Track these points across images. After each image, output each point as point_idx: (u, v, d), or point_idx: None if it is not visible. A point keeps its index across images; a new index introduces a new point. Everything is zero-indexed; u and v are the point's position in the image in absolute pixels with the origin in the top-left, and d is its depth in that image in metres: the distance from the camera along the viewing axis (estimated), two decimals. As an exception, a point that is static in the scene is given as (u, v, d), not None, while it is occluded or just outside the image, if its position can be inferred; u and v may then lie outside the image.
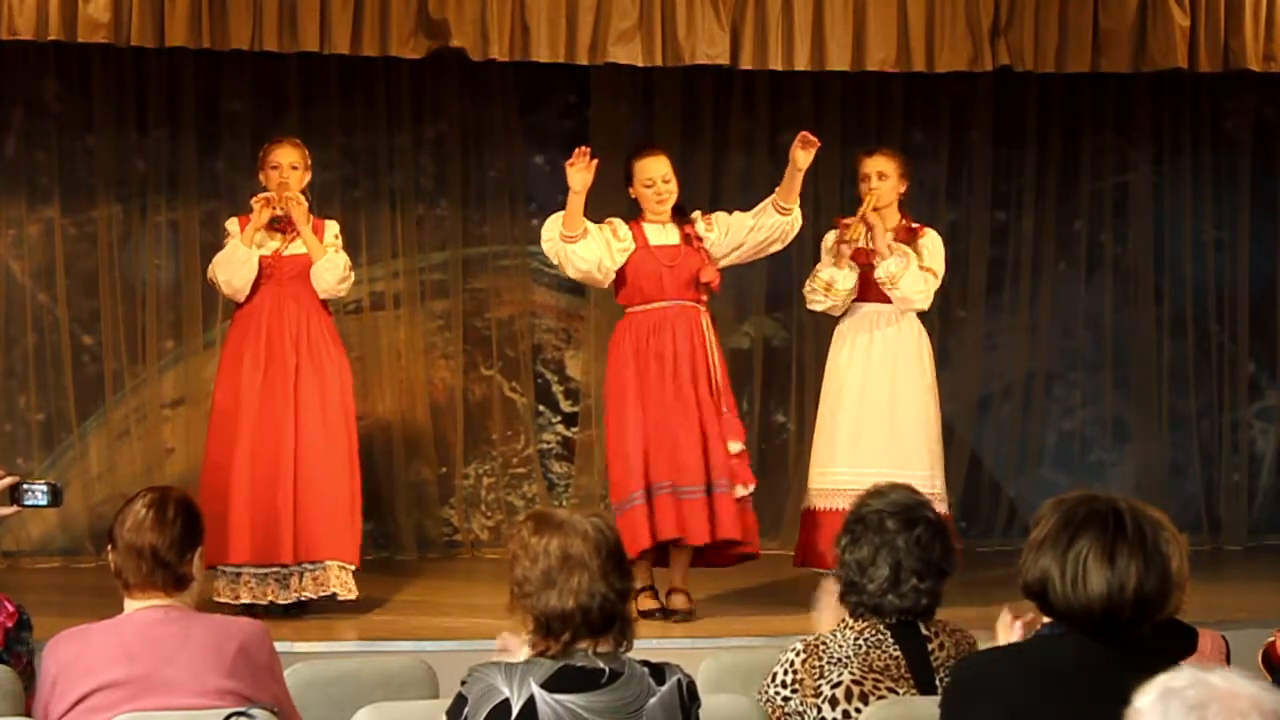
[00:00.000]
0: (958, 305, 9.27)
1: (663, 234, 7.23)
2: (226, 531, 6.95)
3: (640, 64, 7.51)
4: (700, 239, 7.25)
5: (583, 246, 7.08)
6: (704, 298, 7.27)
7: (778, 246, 7.43)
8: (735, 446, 7.15)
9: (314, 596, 7.08)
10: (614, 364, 7.22)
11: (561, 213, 7.12)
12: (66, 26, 7.02)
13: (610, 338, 7.37)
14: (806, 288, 7.49)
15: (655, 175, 7.20)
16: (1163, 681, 2.44)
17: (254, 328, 7.17)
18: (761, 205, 7.31)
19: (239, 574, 7.04)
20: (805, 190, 9.20)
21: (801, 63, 7.55)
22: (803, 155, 7.12)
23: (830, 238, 7.50)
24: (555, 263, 7.29)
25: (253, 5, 7.14)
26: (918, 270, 7.32)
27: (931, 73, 7.78)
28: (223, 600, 6.95)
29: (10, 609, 4.73)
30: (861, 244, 7.36)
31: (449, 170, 9.09)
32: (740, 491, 7.11)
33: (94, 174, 8.73)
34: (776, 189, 7.28)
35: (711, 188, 9.24)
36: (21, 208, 8.70)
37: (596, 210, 7.26)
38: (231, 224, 7.29)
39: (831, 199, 9.14)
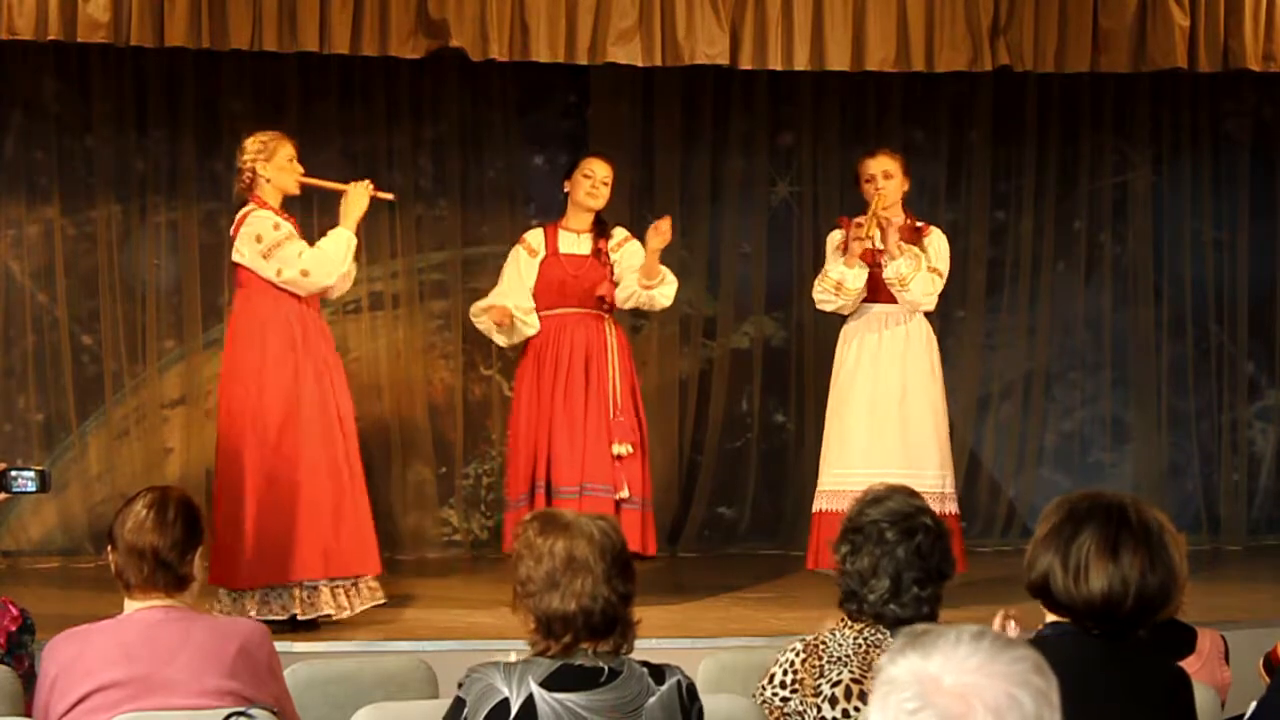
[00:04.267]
0: (957, 305, 9.26)
1: (575, 243, 7.46)
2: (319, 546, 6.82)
3: (640, 64, 7.51)
4: (607, 254, 7.43)
5: (509, 335, 7.47)
6: (607, 307, 7.45)
7: (646, 306, 7.57)
8: (620, 449, 7.28)
9: (352, 611, 6.94)
10: (519, 371, 7.53)
11: (487, 303, 7.44)
12: (66, 26, 7.01)
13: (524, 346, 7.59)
14: (816, 288, 7.49)
15: (597, 172, 7.40)
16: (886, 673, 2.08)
17: (294, 333, 6.87)
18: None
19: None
20: (805, 190, 9.29)
21: (801, 63, 7.54)
22: (656, 240, 7.29)
23: (836, 238, 7.51)
24: (484, 333, 7.60)
25: (253, 5, 7.13)
26: (926, 272, 7.35)
27: (931, 72, 7.77)
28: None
29: (14, 612, 4.75)
30: (872, 244, 7.36)
31: (448, 170, 9.09)
32: (622, 494, 7.24)
33: (94, 174, 8.73)
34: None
35: (711, 188, 9.25)
36: (21, 208, 8.69)
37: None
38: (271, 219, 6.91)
39: (831, 199, 9.14)
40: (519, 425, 7.39)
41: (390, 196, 7.22)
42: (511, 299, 7.42)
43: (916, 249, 7.38)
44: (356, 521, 6.90)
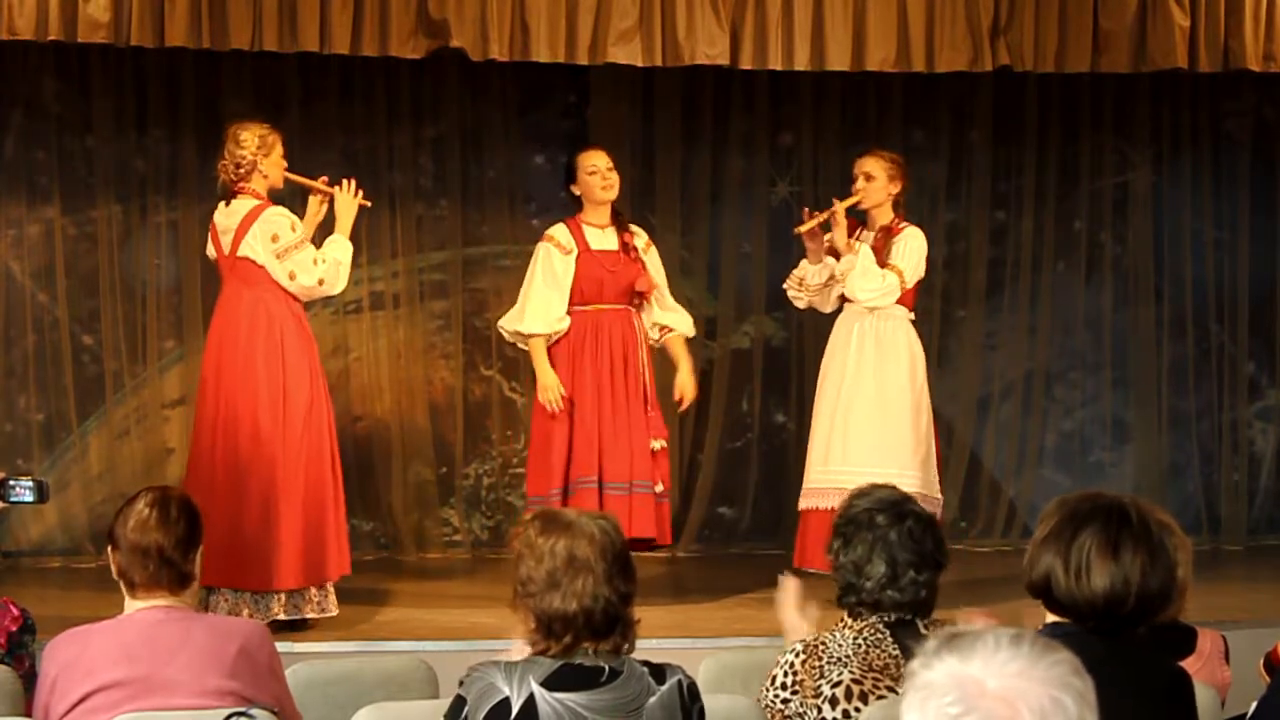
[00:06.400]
0: (958, 305, 9.27)
1: (602, 238, 7.42)
2: (326, 549, 6.85)
3: (640, 64, 7.51)
4: (636, 250, 7.43)
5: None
6: (638, 301, 7.47)
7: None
8: (656, 444, 7.36)
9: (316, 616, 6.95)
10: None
11: (529, 325, 7.32)
12: (66, 26, 7.01)
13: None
14: (784, 283, 7.68)
15: (600, 164, 7.39)
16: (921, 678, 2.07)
17: (291, 332, 6.87)
18: (658, 318, 7.50)
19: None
20: (806, 190, 9.29)
21: (801, 63, 7.55)
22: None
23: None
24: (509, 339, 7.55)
25: (253, 5, 7.13)
26: (870, 268, 7.37)
27: (931, 73, 7.78)
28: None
29: (15, 613, 4.75)
30: (816, 234, 7.47)
31: (449, 170, 9.08)
32: (658, 489, 7.33)
33: (94, 174, 8.73)
34: (667, 337, 7.53)
35: (711, 188, 9.25)
36: (21, 208, 8.69)
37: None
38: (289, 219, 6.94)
39: (831, 200, 9.11)
40: (553, 421, 7.28)
41: (367, 204, 7.23)
42: (543, 321, 7.33)
43: (863, 246, 7.42)
44: (324, 529, 6.86)
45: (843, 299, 7.54)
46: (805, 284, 7.57)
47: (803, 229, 7.45)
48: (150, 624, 4.02)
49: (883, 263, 7.41)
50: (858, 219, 7.52)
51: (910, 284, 7.46)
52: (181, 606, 4.07)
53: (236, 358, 6.81)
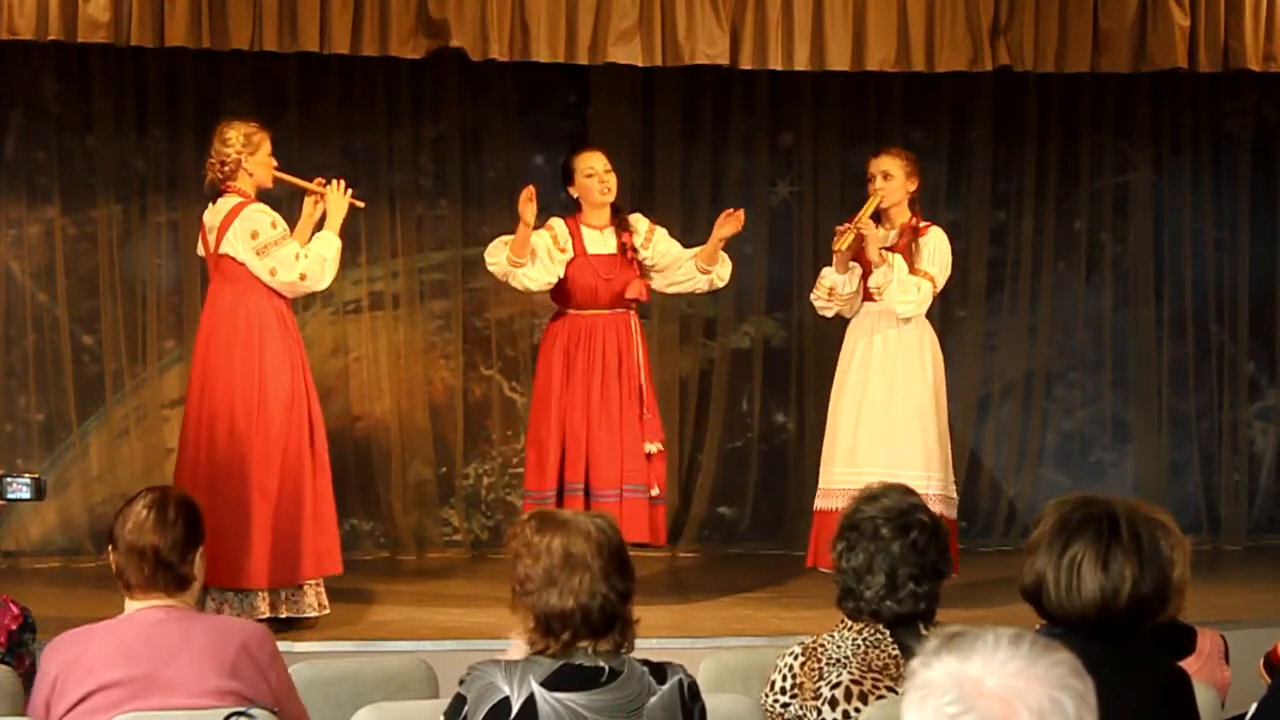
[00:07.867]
0: (958, 305, 9.26)
1: (600, 241, 7.40)
2: (300, 549, 6.82)
3: (640, 64, 7.52)
4: (635, 250, 7.41)
5: (531, 271, 7.28)
6: (634, 306, 7.46)
7: (703, 289, 7.70)
8: (652, 447, 7.34)
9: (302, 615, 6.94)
10: (543, 363, 7.45)
11: (508, 236, 7.30)
12: (66, 26, 7.02)
13: (543, 336, 7.62)
14: (812, 294, 7.58)
15: (597, 167, 7.37)
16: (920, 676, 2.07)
17: (275, 330, 6.87)
18: (691, 253, 7.50)
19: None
20: (805, 190, 9.29)
21: (801, 63, 7.55)
22: (729, 229, 7.36)
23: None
24: (500, 278, 7.46)
25: (253, 5, 7.14)
26: (905, 279, 7.35)
27: (931, 72, 7.78)
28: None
29: (15, 611, 4.75)
30: (846, 253, 7.39)
31: (449, 170, 9.08)
32: (653, 492, 7.31)
33: (94, 174, 8.72)
34: (699, 250, 7.47)
35: (711, 188, 9.25)
36: (21, 208, 8.69)
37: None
38: (269, 216, 6.91)
39: (831, 199, 9.14)
40: (546, 421, 7.30)
41: (361, 204, 7.23)
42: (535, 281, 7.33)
43: (896, 257, 7.38)
44: (306, 526, 6.85)
45: (864, 300, 7.51)
46: (836, 293, 7.45)
47: (841, 246, 7.34)
48: (150, 624, 4.01)
49: (912, 268, 7.39)
50: (873, 219, 7.49)
51: (940, 287, 7.47)
52: (182, 606, 4.07)
53: (219, 356, 6.83)
